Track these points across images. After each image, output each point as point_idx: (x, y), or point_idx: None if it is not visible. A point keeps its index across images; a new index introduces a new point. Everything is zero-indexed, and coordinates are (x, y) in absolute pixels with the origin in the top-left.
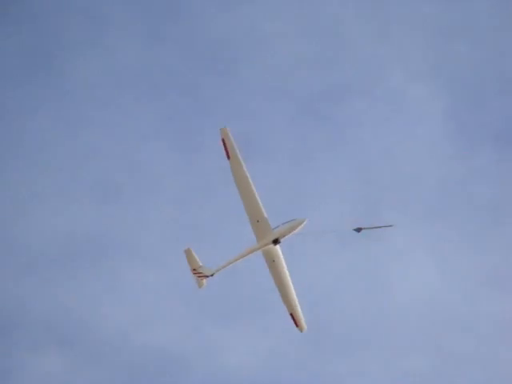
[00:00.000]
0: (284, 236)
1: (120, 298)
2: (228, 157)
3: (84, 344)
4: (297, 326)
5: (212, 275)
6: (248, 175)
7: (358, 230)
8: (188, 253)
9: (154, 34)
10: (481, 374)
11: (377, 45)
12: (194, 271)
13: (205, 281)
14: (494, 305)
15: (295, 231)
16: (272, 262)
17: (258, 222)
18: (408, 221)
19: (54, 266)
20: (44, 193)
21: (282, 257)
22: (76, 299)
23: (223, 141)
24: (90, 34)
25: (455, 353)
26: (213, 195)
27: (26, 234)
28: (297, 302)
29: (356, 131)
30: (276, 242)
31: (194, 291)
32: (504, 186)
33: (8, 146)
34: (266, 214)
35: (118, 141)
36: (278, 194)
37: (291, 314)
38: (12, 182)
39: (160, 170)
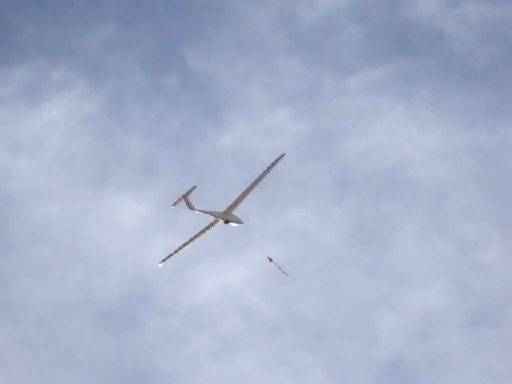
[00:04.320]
0: (232, 222)
1: None
2: (267, 170)
3: None
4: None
5: (193, 210)
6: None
7: (270, 259)
8: (193, 188)
9: None
10: None
11: None
12: (184, 198)
13: (177, 205)
14: None
15: (237, 225)
16: (210, 226)
17: (234, 207)
18: None
19: None
20: None
21: (213, 229)
22: None
23: (276, 161)
24: None
25: None
26: None
27: None
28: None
29: None
30: (227, 222)
31: None
32: None
33: None
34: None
35: None
36: None
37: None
38: None
39: None
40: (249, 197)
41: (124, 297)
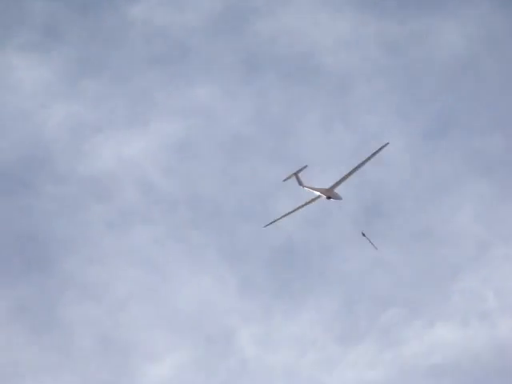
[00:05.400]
0: (333, 198)
1: None
2: (370, 156)
3: None
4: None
5: (302, 186)
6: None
7: (363, 234)
8: (304, 167)
9: None
10: None
11: None
12: (296, 175)
13: (289, 180)
14: None
15: (336, 200)
16: (314, 199)
17: (337, 185)
18: None
19: None
20: None
21: (317, 201)
22: None
23: (380, 149)
24: None
25: None
26: None
27: None
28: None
29: None
30: (329, 198)
31: None
32: None
33: None
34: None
35: None
36: None
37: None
38: None
39: None
40: (155, 71)
41: (20, 160)
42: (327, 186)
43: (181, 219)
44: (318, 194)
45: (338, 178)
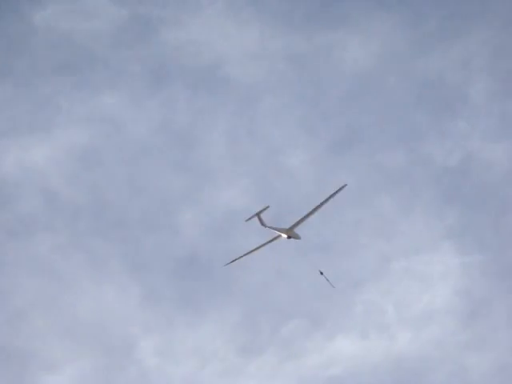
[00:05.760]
0: (293, 238)
1: None
2: (328, 199)
3: None
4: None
5: (265, 227)
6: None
7: (321, 273)
8: (266, 207)
9: None
10: None
11: None
12: (258, 215)
13: (250, 221)
14: None
15: (296, 239)
16: (274, 238)
17: (297, 225)
18: None
19: None
20: None
21: (275, 241)
22: None
23: (338, 190)
24: None
25: None
26: None
27: None
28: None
29: None
30: (289, 237)
31: None
32: None
33: None
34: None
35: None
36: None
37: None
38: None
39: None
40: (60, 78)
41: None
42: (287, 226)
43: (84, 228)
44: (278, 233)
45: (298, 219)
